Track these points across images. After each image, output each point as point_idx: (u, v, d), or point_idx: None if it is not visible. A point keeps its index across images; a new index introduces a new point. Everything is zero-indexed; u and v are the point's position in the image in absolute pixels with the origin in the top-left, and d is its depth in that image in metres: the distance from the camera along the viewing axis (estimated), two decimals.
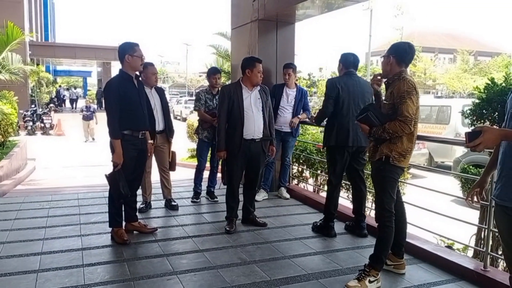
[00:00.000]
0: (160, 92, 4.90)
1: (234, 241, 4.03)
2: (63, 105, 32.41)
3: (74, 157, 12.25)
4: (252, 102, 4.20)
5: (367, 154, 3.32)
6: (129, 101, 3.76)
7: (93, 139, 16.01)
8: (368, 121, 3.09)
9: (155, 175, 5.10)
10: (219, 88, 5.02)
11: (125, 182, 3.76)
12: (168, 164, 5.00)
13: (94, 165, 9.93)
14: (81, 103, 30.81)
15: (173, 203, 5.12)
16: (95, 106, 16.47)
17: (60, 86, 37.71)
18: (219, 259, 3.60)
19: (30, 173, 9.53)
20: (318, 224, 4.33)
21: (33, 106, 20.38)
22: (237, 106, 4.14)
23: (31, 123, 17.52)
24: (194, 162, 6.43)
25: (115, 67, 35.60)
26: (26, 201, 5.49)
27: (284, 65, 5.58)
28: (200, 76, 43.51)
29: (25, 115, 17.29)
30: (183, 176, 7.38)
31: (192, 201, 5.42)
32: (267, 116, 4.30)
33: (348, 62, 4.16)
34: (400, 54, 3.10)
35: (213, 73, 5.38)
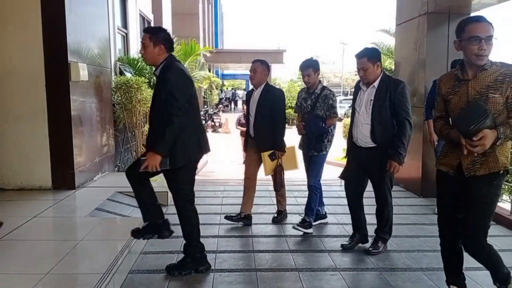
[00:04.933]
0: None
1: (398, 246, 3.89)
2: (229, 106, 35.58)
3: (239, 153, 13.37)
4: (364, 102, 3.50)
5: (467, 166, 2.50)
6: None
7: None
8: (489, 126, 2.32)
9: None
10: (322, 86, 4.23)
11: None
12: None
13: None
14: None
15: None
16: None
17: (233, 88, 41.51)
18: (382, 262, 3.53)
19: (204, 165, 10.76)
20: None
21: (205, 106, 22.98)
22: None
23: (203, 122, 19.80)
24: None
25: (274, 70, 37.60)
26: (203, 189, 6.25)
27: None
28: (355, 75, 42.73)
29: None
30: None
31: None
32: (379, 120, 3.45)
33: None
34: None
35: (301, 69, 4.23)
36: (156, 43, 3.03)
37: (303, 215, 4.26)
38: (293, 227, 4.16)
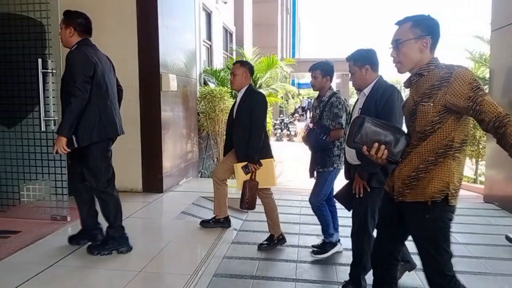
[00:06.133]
0: None
1: (493, 269, 3.60)
2: (304, 115, 35.49)
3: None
4: (355, 112, 3.05)
5: (394, 191, 2.12)
6: None
7: None
8: (373, 131, 2.03)
9: None
10: (331, 93, 3.77)
11: None
12: None
13: None
14: None
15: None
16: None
17: (309, 98, 41.53)
18: (473, 283, 3.28)
19: (280, 174, 10.84)
20: None
21: (281, 115, 23.18)
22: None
23: (279, 131, 19.98)
24: None
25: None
26: (281, 198, 6.27)
27: None
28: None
29: (275, 123, 19.86)
30: None
31: None
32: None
33: None
34: (436, 34, 2.05)
35: (310, 69, 3.84)
36: (68, 26, 3.12)
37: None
38: (312, 256, 3.86)
